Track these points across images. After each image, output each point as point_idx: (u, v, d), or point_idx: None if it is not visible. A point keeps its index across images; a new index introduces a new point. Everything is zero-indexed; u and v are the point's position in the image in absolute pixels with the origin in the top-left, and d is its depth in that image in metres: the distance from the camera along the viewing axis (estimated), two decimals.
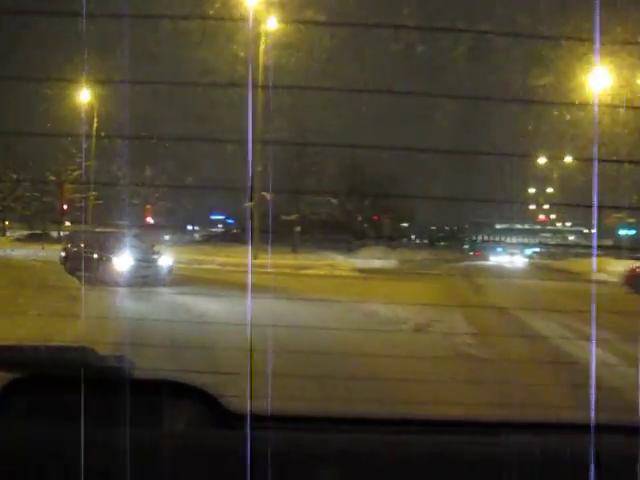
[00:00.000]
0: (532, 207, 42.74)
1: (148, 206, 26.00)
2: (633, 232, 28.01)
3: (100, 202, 27.02)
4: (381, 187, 27.02)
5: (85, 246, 13.70)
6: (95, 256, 12.73)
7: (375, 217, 29.84)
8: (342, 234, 25.99)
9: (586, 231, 38.61)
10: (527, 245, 41.93)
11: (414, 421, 1.33)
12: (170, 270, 13.10)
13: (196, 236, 36.45)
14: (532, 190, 34.77)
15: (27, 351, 1.40)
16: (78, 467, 1.11)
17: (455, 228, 50.35)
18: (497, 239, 46.20)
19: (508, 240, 44.95)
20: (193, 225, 37.84)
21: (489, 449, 1.20)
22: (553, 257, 32.25)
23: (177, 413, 1.26)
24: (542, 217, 43.62)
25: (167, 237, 28.20)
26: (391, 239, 27.55)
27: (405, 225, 38.99)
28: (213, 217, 38.49)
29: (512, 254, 32.89)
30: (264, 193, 16.92)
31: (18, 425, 1.21)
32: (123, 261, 12.44)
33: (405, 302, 8.79)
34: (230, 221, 37.71)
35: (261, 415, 1.28)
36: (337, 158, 26.97)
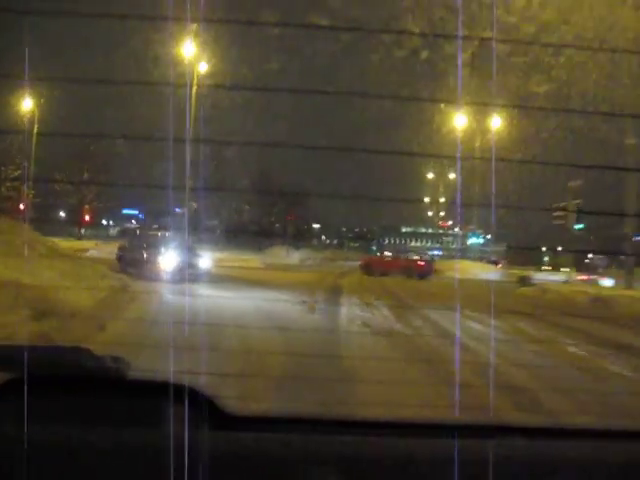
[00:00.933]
0: (430, 214, 48.00)
1: (86, 206, 29.04)
2: (481, 240, 34.85)
3: (38, 200, 29.95)
4: (290, 194, 31.36)
5: (138, 246, 15.08)
6: (146, 255, 14.33)
7: (286, 219, 34.31)
8: (254, 236, 30.65)
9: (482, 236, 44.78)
10: (428, 248, 46.36)
11: (410, 424, 1.33)
12: (209, 268, 14.54)
13: (111, 231, 37.24)
14: (427, 199, 40.34)
15: (22, 351, 1.34)
16: (72, 468, 1.13)
17: (364, 230, 54.47)
18: (403, 242, 50.72)
19: (413, 243, 49.58)
20: (108, 220, 38.88)
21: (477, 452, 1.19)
22: (448, 258, 37.78)
23: (173, 414, 1.24)
24: (443, 223, 48.51)
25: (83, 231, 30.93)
26: (296, 240, 32.05)
27: (317, 226, 43.32)
28: (125, 212, 39.70)
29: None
30: (191, 203, 20.71)
31: (12, 426, 1.19)
32: (173, 260, 13.80)
33: (281, 282, 14.43)
34: (142, 216, 39.75)
35: (256, 417, 1.31)
36: (250, 166, 30.83)
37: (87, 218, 28.86)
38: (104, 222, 37.38)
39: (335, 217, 43.16)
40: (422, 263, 22.49)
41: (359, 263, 23.07)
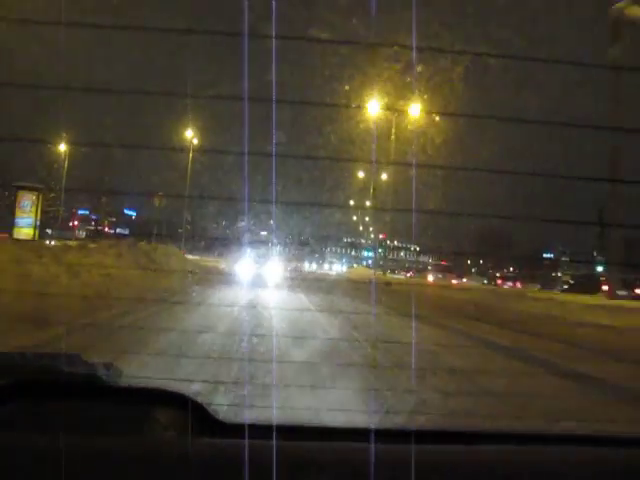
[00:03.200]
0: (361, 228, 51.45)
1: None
2: (371, 253, 40.10)
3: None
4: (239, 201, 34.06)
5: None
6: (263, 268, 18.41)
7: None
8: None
9: (412, 248, 48.94)
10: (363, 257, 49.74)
11: (408, 432, 1.30)
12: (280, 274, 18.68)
13: (77, 232, 38.86)
14: (354, 217, 44.02)
15: (14, 358, 1.37)
16: (62, 475, 1.12)
17: (308, 238, 56.82)
18: (345, 251, 53.74)
19: (354, 252, 52.55)
20: (72, 222, 39.50)
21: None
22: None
23: (163, 421, 1.27)
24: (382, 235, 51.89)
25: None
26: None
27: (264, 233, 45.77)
28: (81, 213, 41.27)
29: (331, 263, 41.82)
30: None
31: (2, 433, 1.19)
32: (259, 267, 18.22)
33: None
34: (94, 217, 42.12)
35: (249, 424, 1.29)
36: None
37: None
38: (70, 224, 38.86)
39: (282, 226, 45.51)
40: None
41: None
